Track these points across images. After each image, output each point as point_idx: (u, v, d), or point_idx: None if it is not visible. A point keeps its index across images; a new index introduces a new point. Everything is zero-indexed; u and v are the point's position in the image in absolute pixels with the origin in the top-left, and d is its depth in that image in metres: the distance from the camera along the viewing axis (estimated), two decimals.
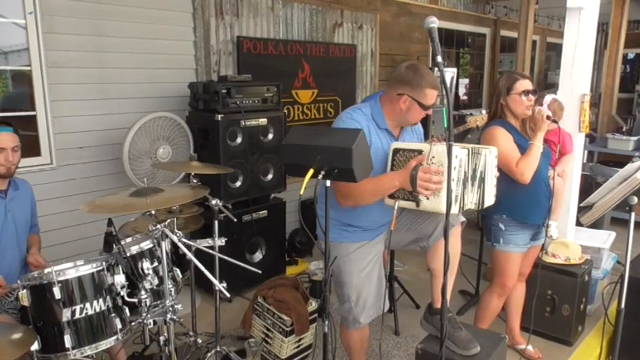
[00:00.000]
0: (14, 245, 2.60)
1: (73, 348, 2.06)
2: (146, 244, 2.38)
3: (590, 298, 3.54)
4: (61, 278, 2.06)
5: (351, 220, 2.38)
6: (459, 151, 2.05)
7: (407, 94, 2.23)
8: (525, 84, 2.72)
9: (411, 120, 2.33)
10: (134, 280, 2.25)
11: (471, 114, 3.94)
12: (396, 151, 2.20)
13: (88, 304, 2.11)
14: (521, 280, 3.09)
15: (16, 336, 1.95)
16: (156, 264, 2.36)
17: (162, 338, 2.33)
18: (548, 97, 3.30)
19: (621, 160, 5.44)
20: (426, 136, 3.20)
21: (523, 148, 2.69)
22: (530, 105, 2.71)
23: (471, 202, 2.20)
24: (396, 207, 2.16)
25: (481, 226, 3.42)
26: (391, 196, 2.19)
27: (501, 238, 2.84)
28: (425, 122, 2.72)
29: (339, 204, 2.28)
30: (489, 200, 2.28)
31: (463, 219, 2.40)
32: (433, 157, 2.06)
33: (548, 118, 2.67)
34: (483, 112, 3.88)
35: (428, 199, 2.07)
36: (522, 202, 2.72)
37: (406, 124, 2.39)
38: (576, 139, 3.49)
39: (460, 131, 3.76)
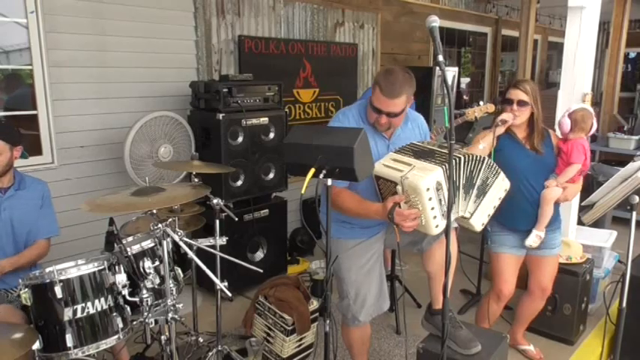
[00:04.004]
0: (9, 243, 2.57)
1: (75, 347, 2.07)
2: (147, 244, 2.38)
3: (591, 297, 3.54)
4: (62, 277, 2.06)
5: (348, 217, 2.38)
6: (434, 177, 2.04)
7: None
8: (512, 93, 2.73)
9: (370, 117, 2.33)
10: (135, 279, 2.25)
11: (469, 106, 3.92)
12: (378, 177, 2.23)
13: (89, 303, 2.11)
14: (539, 296, 2.99)
15: (18, 335, 1.95)
16: (157, 263, 2.36)
17: (163, 337, 2.34)
18: (575, 106, 2.97)
19: (622, 160, 5.44)
20: None
21: (506, 153, 2.73)
22: (512, 114, 2.71)
23: (464, 211, 2.21)
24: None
25: None
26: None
27: (489, 239, 2.91)
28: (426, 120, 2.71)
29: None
30: (478, 219, 2.25)
31: (456, 225, 2.41)
32: (410, 194, 2.08)
33: (502, 121, 2.70)
34: (481, 103, 3.85)
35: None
36: (504, 204, 2.61)
37: (372, 123, 2.35)
38: None
39: (459, 123, 3.74)
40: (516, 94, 2.71)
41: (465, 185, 2.19)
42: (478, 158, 2.21)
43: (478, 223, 2.26)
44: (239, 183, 3.85)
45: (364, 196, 2.27)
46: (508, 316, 3.42)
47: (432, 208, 2.04)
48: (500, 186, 2.29)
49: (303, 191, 1.89)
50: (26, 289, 2.07)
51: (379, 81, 2.23)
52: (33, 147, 3.33)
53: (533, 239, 2.78)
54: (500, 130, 2.72)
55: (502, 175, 2.29)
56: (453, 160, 2.04)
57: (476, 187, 2.21)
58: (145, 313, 2.22)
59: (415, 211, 2.07)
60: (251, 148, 3.84)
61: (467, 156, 2.17)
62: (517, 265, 2.91)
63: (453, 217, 2.16)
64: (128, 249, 2.27)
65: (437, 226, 2.08)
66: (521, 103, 2.71)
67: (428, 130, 2.61)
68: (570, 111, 2.88)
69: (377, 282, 2.52)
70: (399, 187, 2.10)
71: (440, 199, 2.06)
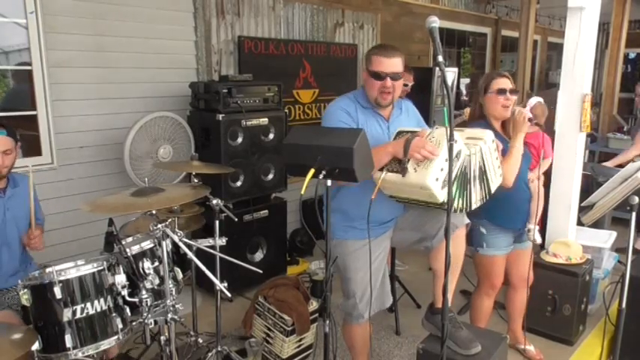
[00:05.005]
0: (15, 240, 2.59)
1: (74, 348, 2.06)
2: (147, 244, 2.38)
3: (591, 297, 3.54)
4: (61, 278, 2.06)
5: (360, 212, 2.33)
6: (461, 144, 2.08)
7: (365, 68, 2.36)
8: (502, 82, 2.64)
9: (371, 92, 2.36)
10: (135, 279, 2.25)
11: (467, 106, 3.95)
12: (400, 132, 2.26)
13: (88, 304, 2.10)
14: (523, 286, 3.04)
15: (17, 336, 1.95)
16: (157, 264, 2.36)
17: (163, 338, 2.33)
18: (533, 100, 3.23)
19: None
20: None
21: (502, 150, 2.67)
22: (507, 104, 2.62)
23: (475, 202, 2.22)
24: (381, 177, 2.17)
25: None
26: (381, 169, 2.19)
27: (484, 242, 2.80)
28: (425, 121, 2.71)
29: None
30: (497, 182, 2.31)
31: (467, 221, 2.40)
32: (433, 137, 2.11)
33: (530, 120, 2.58)
34: None
35: (416, 170, 2.07)
36: (503, 206, 2.62)
37: (374, 99, 2.37)
38: (577, 139, 3.48)
39: (458, 123, 3.74)
40: (506, 83, 2.64)
41: (473, 177, 2.18)
42: (473, 152, 2.18)
43: (499, 182, 2.34)
44: (239, 183, 3.85)
45: (361, 191, 2.25)
46: (507, 316, 3.41)
47: (446, 160, 2.00)
48: (490, 147, 2.26)
49: (302, 192, 1.89)
50: (25, 290, 2.07)
51: (373, 50, 2.36)
52: (32, 148, 3.33)
53: (538, 235, 2.80)
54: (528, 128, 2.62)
55: (480, 142, 2.23)
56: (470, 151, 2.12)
57: (478, 175, 2.20)
58: (145, 314, 2.22)
59: (434, 145, 2.04)
60: (251, 149, 3.83)
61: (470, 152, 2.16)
62: (514, 264, 2.94)
63: (474, 205, 2.19)
64: (127, 249, 2.27)
65: (437, 179, 2.03)
66: (513, 92, 2.64)
67: (418, 112, 2.63)
68: (532, 105, 2.94)
69: (381, 280, 2.54)
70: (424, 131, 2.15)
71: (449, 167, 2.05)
